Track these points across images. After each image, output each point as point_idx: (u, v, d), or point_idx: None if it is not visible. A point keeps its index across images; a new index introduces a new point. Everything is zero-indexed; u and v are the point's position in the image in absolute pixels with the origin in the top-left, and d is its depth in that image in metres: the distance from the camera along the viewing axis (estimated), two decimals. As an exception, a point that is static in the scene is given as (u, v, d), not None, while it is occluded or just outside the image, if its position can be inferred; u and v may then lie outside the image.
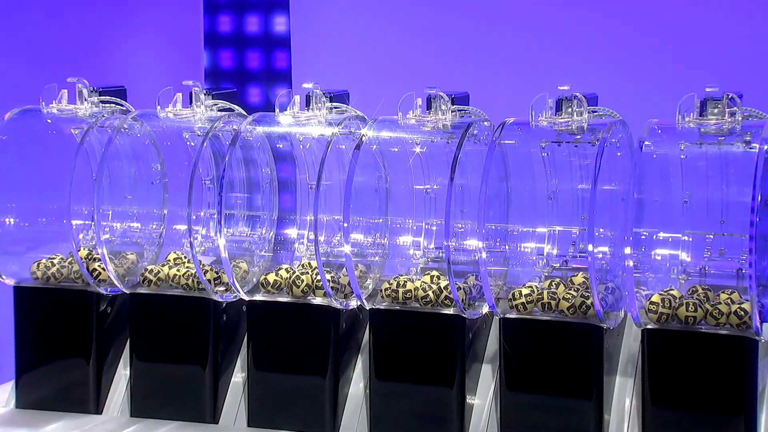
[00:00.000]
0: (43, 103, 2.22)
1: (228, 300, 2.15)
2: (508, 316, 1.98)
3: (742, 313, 1.86)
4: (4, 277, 2.20)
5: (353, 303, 2.09)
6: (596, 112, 1.98)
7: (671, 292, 1.93)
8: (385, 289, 2.03)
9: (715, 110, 1.87)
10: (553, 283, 2.01)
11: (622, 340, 2.06)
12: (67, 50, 3.21)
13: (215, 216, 2.09)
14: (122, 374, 2.24)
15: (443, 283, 2.02)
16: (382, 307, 2.05)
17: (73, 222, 2.15)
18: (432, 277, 2.07)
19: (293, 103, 2.12)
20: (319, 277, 2.07)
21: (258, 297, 2.12)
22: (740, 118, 1.87)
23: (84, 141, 2.14)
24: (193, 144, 2.24)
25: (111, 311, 2.22)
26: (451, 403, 2.02)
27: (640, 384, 1.94)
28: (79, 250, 2.19)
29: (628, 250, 1.84)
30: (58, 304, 2.20)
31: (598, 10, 2.89)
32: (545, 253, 2.08)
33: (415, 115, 2.06)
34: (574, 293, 1.95)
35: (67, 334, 2.20)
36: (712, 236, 1.98)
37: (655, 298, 1.89)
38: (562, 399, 1.95)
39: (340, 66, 2.95)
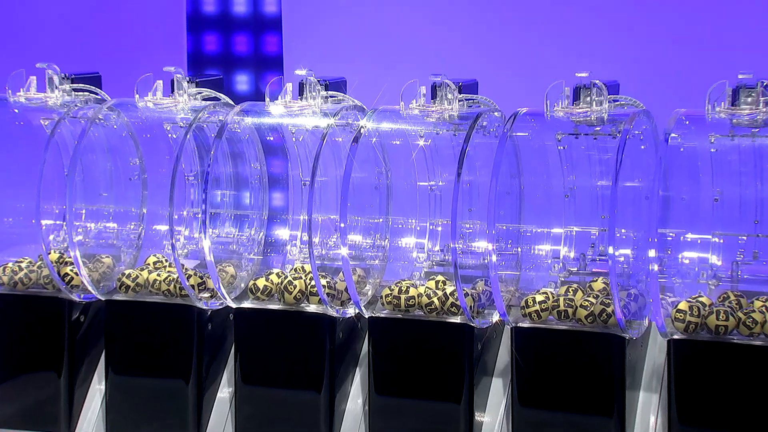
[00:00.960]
0: (10, 91, 2.22)
1: (213, 307, 2.15)
2: (520, 325, 1.98)
3: (778, 321, 1.87)
4: (-34, 282, 2.21)
5: (351, 311, 2.10)
6: (617, 101, 1.98)
7: (700, 298, 1.93)
8: (386, 296, 2.05)
9: (749, 99, 1.87)
10: (570, 289, 2.02)
11: (646, 351, 2.06)
12: (35, 33, 3.20)
13: (199, 215, 2.08)
14: (97, 389, 2.24)
15: (449, 289, 2.03)
16: (382, 316, 2.05)
17: (43, 222, 2.16)
18: (437, 282, 2.08)
19: (285, 92, 2.13)
20: (313, 283, 2.08)
21: (246, 304, 2.13)
22: (776, 108, 1.88)
23: (55, 133, 2.14)
24: (175, 136, 2.25)
25: (84, 320, 2.22)
26: (459, 421, 2.02)
27: (666, 400, 1.94)
28: (49, 253, 2.19)
29: (652, 253, 1.84)
30: (26, 313, 2.21)
31: (619, -10, 2.89)
32: (561, 257, 2.09)
33: (419, 105, 2.06)
34: (593, 300, 1.96)
35: (37, 345, 2.21)
36: (745, 237, 1.98)
37: (683, 305, 1.90)
38: (580, 416, 1.95)
39: (336, 51, 2.94)
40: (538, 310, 1.97)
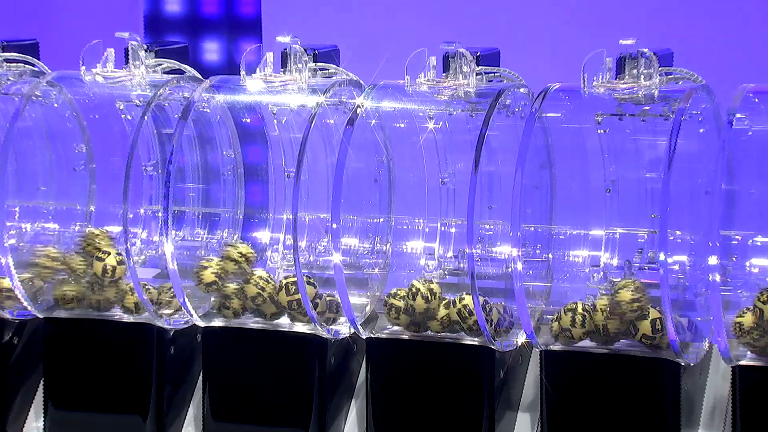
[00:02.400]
0: (-72, 62, 2.24)
1: (177, 326, 2.16)
2: (552, 347, 1.98)
3: None
4: None
5: (345, 330, 2.09)
6: (671, 74, 1.98)
7: (772, 316, 1.93)
8: (390, 302, 2.03)
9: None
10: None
11: (706, 380, 2.07)
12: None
13: (160, 214, 2.08)
14: (33, 427, 2.25)
15: (465, 302, 2.03)
16: (383, 336, 2.06)
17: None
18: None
19: (264, 63, 2.13)
20: (299, 296, 2.07)
21: (217, 323, 2.13)
22: None
23: (-18, 113, 2.17)
24: (130, 117, 2.25)
25: (18, 342, 2.23)
26: (477, 465, 2.04)
27: (730, 438, 1.96)
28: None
29: (713, 260, 1.84)
30: (-53, 333, 2.22)
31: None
32: (602, 264, 2.08)
33: (428, 80, 2.06)
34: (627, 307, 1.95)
35: (-40, 372, 2.22)
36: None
37: (749, 321, 1.89)
38: (624, 459, 1.98)
39: (326, 13, 2.95)
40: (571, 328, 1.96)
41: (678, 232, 1.99)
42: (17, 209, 2.29)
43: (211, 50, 3.04)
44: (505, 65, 2.11)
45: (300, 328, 2.09)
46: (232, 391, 2.12)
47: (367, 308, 2.12)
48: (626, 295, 1.95)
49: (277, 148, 2.23)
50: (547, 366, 1.99)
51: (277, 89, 2.13)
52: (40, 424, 2.23)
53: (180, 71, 2.21)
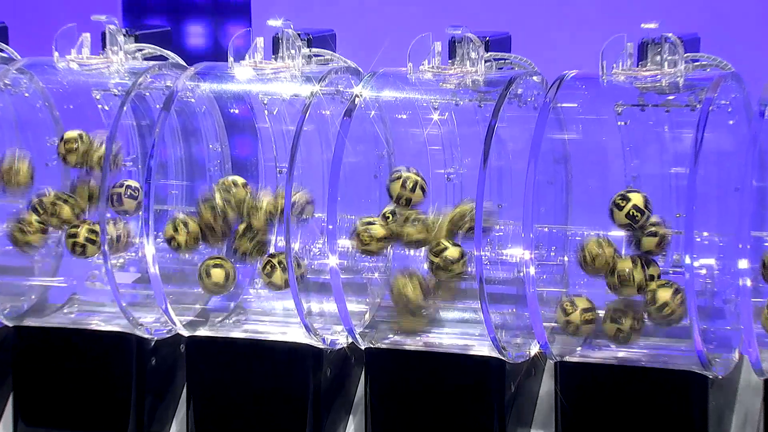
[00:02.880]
0: None
1: (159, 336, 2.16)
2: (568, 359, 1.98)
3: None
4: None
5: (342, 340, 2.09)
6: (697, 61, 1.98)
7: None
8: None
9: None
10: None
11: (735, 395, 2.06)
12: None
13: (140, 213, 2.08)
14: (2, 446, 2.26)
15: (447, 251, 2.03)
16: (383, 347, 2.06)
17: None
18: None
19: (254, 49, 2.13)
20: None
21: (203, 331, 2.13)
22: None
23: (-56, 104, 2.18)
24: (107, 108, 2.24)
25: (-15, 353, 2.24)
26: (486, 486, 2.06)
27: (763, 458, 1.98)
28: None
29: (744, 264, 1.83)
30: None
31: None
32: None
33: (433, 67, 2.06)
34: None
35: None
36: None
37: (782, 330, 1.91)
38: (647, 480, 1.99)
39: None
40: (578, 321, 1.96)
41: (705, 233, 1.98)
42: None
43: (196, 34, 3.04)
44: (517, 51, 2.11)
45: (292, 337, 2.09)
46: (219, 405, 2.13)
47: (366, 316, 2.12)
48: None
49: (268, 141, 2.23)
50: (563, 378, 1.99)
51: (268, 77, 2.13)
52: (10, 442, 2.25)
53: (162, 57, 2.21)
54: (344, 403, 2.16)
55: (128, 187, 2.16)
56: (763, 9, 2.74)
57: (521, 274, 1.93)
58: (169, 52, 2.21)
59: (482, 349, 2.02)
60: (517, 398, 2.06)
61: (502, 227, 2.10)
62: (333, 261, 1.99)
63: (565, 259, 2.07)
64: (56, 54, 2.17)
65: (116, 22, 2.16)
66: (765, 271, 1.90)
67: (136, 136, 2.26)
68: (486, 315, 1.95)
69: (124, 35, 2.17)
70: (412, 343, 2.06)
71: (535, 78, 2.06)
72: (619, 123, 2.04)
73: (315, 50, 2.13)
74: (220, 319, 2.16)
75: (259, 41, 2.12)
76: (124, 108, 2.10)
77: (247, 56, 2.12)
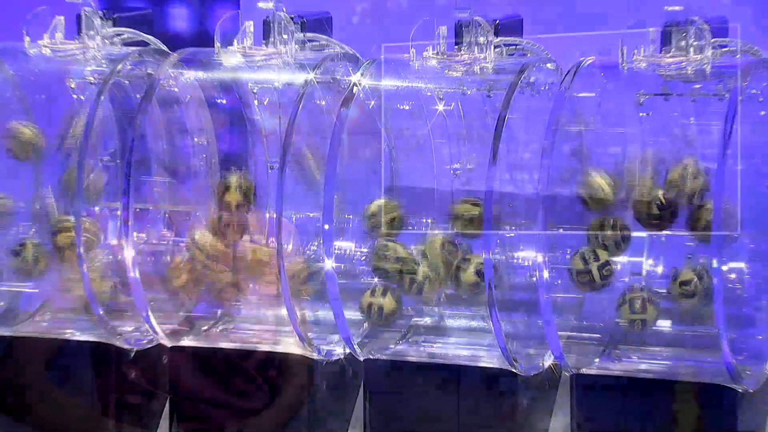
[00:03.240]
0: None
1: (140, 347, 2.15)
2: (584, 371, 1.96)
3: None
4: None
5: (338, 350, 2.08)
6: (726, 46, 1.96)
7: None
8: None
9: None
10: None
11: None
12: None
13: (119, 212, 2.08)
14: (-26, 462, 2.27)
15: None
16: (383, 357, 2.05)
17: None
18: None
19: (243, 33, 2.11)
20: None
21: (187, 341, 2.12)
22: None
23: None
24: (83, 98, 2.23)
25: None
26: (495, 508, 2.06)
27: (798, 478, 1.97)
28: None
29: None
30: None
31: None
32: (644, 272, 2.07)
33: (438, 53, 2.04)
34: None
35: None
36: None
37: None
38: (671, 503, 1.98)
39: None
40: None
41: (735, 234, 1.94)
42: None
43: (180, 17, 3.03)
44: (529, 36, 2.10)
45: (285, 347, 2.09)
46: (203, 420, 2.14)
47: (365, 324, 2.10)
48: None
49: (259, 134, 2.21)
50: (579, 392, 1.99)
51: (259, 64, 2.13)
52: (-19, 459, 2.26)
53: (143, 43, 2.20)
54: (340, 417, 2.15)
55: None
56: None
57: (534, 278, 1.91)
58: (150, 37, 2.20)
59: (491, 360, 2.01)
60: (530, 414, 2.05)
61: (513, 228, 2.07)
62: (329, 264, 1.98)
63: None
64: (27, 39, 2.18)
65: (92, 4, 2.16)
66: None
67: (114, 128, 2.24)
68: (496, 322, 1.93)
69: (101, 18, 2.17)
70: (415, 355, 2.05)
71: (548, 65, 2.04)
72: (640, 114, 2.02)
73: (309, 35, 2.13)
74: (206, 327, 2.15)
75: (249, 25, 2.11)
76: (102, 97, 2.09)
77: (235, 41, 2.11)
